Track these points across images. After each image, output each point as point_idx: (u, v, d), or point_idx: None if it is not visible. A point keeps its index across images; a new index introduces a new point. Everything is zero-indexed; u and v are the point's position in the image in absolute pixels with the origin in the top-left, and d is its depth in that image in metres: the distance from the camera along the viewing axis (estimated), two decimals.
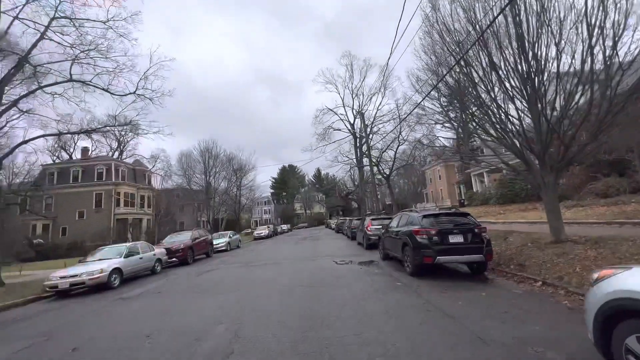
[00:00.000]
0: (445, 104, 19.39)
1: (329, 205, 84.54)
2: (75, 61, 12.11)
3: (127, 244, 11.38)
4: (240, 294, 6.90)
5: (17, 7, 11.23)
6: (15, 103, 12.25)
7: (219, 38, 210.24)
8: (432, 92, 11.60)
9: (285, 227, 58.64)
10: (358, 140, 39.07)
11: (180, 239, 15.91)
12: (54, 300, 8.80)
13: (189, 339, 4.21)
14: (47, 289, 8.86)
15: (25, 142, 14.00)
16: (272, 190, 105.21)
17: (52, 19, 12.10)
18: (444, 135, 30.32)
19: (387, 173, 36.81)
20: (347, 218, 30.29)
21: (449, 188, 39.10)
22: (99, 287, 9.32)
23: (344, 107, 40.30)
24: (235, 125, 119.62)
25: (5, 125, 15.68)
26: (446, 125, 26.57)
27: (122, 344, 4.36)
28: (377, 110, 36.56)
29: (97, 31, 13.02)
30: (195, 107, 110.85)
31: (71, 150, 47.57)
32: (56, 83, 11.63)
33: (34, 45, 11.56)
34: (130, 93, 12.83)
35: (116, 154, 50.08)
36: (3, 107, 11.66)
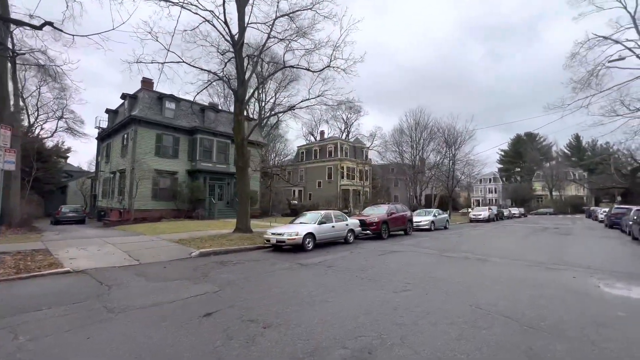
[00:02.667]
0: None
1: (594, 186, 58.88)
2: (288, 49, 13.87)
3: (322, 212, 12.08)
4: (405, 299, 4.81)
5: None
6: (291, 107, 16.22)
7: (423, 7, 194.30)
8: None
9: (516, 210, 46.81)
10: None
11: (377, 212, 15.48)
12: (269, 251, 10.57)
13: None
14: (265, 242, 10.77)
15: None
16: (499, 166, 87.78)
17: (275, 18, 14.38)
18: None
19: None
20: (634, 207, 18.73)
21: None
22: (297, 247, 10.30)
23: (635, 25, 24.52)
24: (446, 95, 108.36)
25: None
26: None
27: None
28: None
29: (304, 20, 14.46)
30: (402, 82, 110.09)
31: (316, 133, 61.23)
32: (275, 72, 13.80)
33: (264, 45, 14.12)
34: (325, 67, 13.37)
35: (344, 135, 59.58)
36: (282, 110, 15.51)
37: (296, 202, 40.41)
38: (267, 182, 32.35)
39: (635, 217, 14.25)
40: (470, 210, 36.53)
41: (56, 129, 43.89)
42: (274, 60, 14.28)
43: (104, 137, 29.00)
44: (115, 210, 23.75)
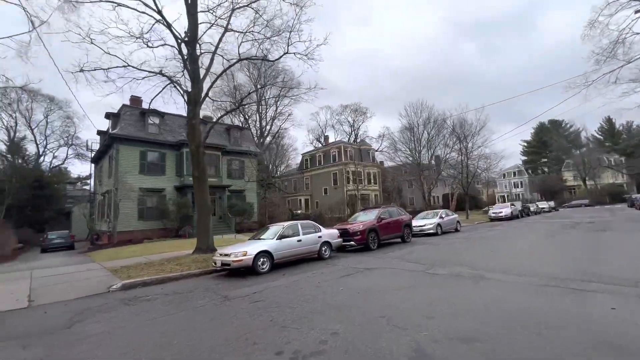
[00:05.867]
0: None
1: (633, 172, 53.03)
2: (247, 41, 12.23)
3: (285, 224, 10.07)
4: None
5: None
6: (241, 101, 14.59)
7: (409, 10, 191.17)
8: None
9: (545, 204, 42.37)
10: None
11: (365, 218, 13.28)
12: (219, 276, 8.67)
13: None
14: (213, 264, 8.89)
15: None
16: (523, 158, 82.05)
17: (233, 9, 12.83)
18: None
19: None
20: None
21: None
22: (248, 270, 8.34)
23: None
24: (448, 95, 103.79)
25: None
26: None
27: None
28: None
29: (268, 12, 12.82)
30: (402, 87, 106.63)
31: (322, 139, 59.53)
32: (232, 64, 12.15)
33: (220, 40, 12.57)
34: (284, 53, 11.58)
35: (351, 139, 57.41)
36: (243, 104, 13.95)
37: (300, 211, 38.50)
38: (264, 193, 30.75)
39: None
40: (490, 208, 33.01)
41: (67, 156, 45.03)
42: (240, 57, 12.65)
43: (97, 159, 28.64)
44: (105, 234, 22.89)
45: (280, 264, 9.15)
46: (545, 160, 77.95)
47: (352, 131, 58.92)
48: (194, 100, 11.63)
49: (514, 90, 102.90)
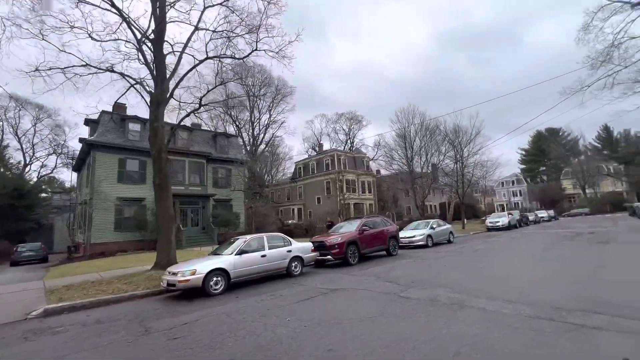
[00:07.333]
0: None
1: (633, 179, 52.07)
2: (216, 38, 11.38)
3: (248, 237, 8.97)
4: None
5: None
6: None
7: (396, 22, 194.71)
8: None
9: (544, 214, 41.26)
10: None
11: (347, 229, 12.20)
12: (169, 297, 7.54)
13: None
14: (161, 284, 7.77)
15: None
16: (522, 166, 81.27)
17: (205, 7, 12.05)
18: None
19: None
20: None
21: None
22: (197, 291, 7.22)
23: None
24: (441, 106, 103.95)
25: None
26: None
27: None
28: None
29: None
30: (397, 97, 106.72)
31: (317, 148, 58.75)
32: (199, 63, 11.26)
33: (189, 39, 11.74)
34: (253, 50, 10.72)
35: (346, 147, 56.58)
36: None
37: (292, 221, 37.32)
38: (251, 202, 29.65)
39: None
40: (487, 217, 31.85)
41: (55, 165, 44.05)
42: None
43: (78, 167, 27.64)
44: (81, 245, 21.73)
45: (238, 284, 8.04)
46: (544, 168, 77.15)
47: (347, 139, 58.24)
48: (156, 101, 10.69)
49: (507, 99, 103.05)
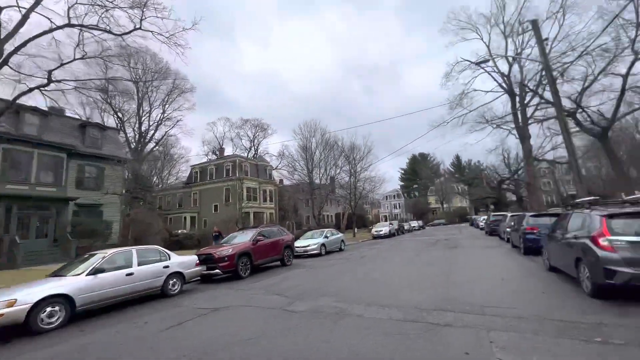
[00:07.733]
0: None
1: (473, 198, 67.89)
2: (83, 3, 9.11)
3: (110, 252, 7.31)
4: None
5: None
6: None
7: (305, 41, 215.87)
8: None
9: (416, 224, 49.25)
10: (518, 99, 26.26)
11: (239, 240, 11.42)
12: None
13: None
14: None
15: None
16: (401, 183, 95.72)
17: None
18: None
19: (603, 125, 20.97)
20: (508, 214, 19.41)
21: None
22: (20, 329, 5.27)
23: (490, 56, 27.94)
24: (339, 124, 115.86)
25: None
26: None
27: None
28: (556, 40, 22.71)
29: None
30: (299, 111, 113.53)
31: (217, 152, 55.03)
32: (56, 28, 8.78)
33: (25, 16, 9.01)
34: (135, 29, 9.15)
35: (250, 155, 54.93)
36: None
37: (182, 231, 33.39)
38: (128, 209, 25.14)
39: (512, 224, 13.77)
40: (372, 227, 35.89)
41: None
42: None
43: None
44: None
45: (94, 312, 6.34)
46: (417, 186, 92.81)
47: (252, 146, 56.61)
48: None
49: (391, 126, 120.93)
